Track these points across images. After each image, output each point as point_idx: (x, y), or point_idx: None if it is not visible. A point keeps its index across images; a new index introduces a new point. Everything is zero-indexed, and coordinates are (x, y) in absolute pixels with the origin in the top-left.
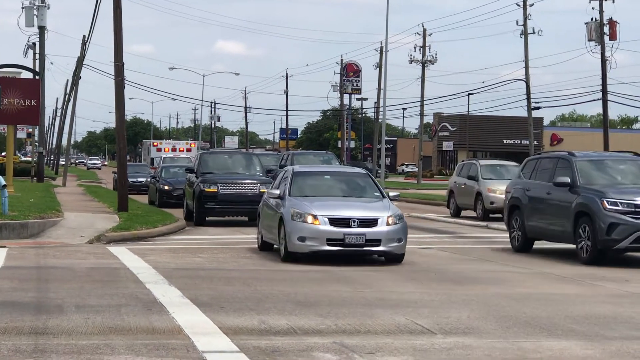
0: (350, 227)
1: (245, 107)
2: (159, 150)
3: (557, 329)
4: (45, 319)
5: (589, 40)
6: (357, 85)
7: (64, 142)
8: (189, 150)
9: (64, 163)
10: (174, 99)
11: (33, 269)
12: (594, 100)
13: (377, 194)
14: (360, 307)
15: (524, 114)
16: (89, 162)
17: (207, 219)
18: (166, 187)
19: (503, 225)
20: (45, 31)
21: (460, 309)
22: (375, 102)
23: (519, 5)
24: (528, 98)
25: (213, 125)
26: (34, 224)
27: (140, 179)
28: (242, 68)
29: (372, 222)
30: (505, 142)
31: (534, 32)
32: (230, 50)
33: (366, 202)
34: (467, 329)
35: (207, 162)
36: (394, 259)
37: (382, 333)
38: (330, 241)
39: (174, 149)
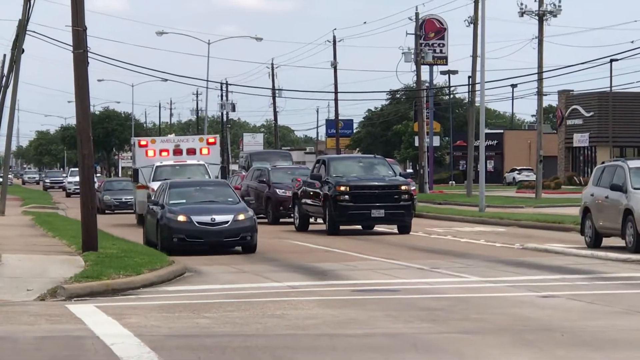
0: None
1: (273, 89)
2: (149, 155)
3: None
4: None
5: None
6: (441, 51)
7: (1, 148)
8: (204, 153)
9: (1, 180)
10: (166, 80)
11: None
12: None
13: None
14: None
15: None
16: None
17: None
18: None
19: None
20: None
21: None
22: (469, 77)
23: None
24: None
25: (225, 118)
26: None
27: None
28: (264, 30)
29: None
30: None
31: None
32: (245, 2)
33: None
34: None
35: None
36: None
37: None
38: None
39: (177, 152)
